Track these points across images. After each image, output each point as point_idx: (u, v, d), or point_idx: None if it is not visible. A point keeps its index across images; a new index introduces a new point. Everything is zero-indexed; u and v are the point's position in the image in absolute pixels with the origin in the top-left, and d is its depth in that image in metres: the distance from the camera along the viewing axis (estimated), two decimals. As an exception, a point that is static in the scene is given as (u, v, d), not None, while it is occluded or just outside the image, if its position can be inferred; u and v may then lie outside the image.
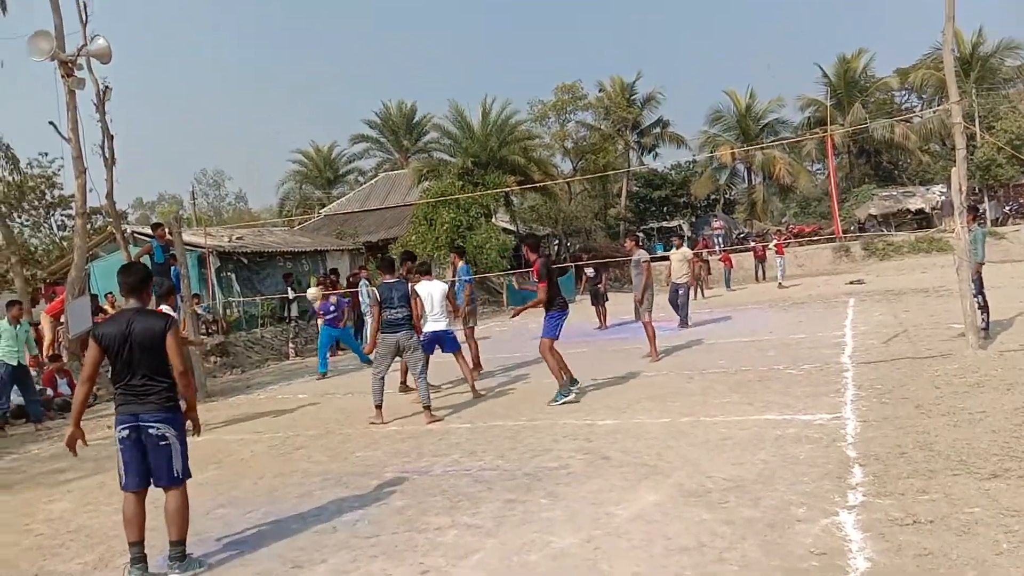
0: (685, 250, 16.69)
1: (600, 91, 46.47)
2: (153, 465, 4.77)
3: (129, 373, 4.74)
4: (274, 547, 5.07)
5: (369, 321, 14.18)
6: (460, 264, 12.86)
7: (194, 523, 5.30)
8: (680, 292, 15.95)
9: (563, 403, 8.79)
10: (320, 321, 15.08)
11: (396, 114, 51.08)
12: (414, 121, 51.09)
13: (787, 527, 4.47)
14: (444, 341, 10.25)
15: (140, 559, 4.70)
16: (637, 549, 4.39)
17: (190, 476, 4.95)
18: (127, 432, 4.72)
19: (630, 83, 46.64)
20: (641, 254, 12.33)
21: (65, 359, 13.89)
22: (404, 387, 10.86)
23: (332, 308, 14.82)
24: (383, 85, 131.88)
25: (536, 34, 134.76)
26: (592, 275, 18.08)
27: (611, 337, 15.57)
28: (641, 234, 26.69)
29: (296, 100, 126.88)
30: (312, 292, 16.06)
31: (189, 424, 5.01)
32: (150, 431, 4.72)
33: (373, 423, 8.87)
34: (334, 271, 22.22)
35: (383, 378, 9.05)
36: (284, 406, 11.06)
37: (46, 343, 15.21)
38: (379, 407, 8.97)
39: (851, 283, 23.00)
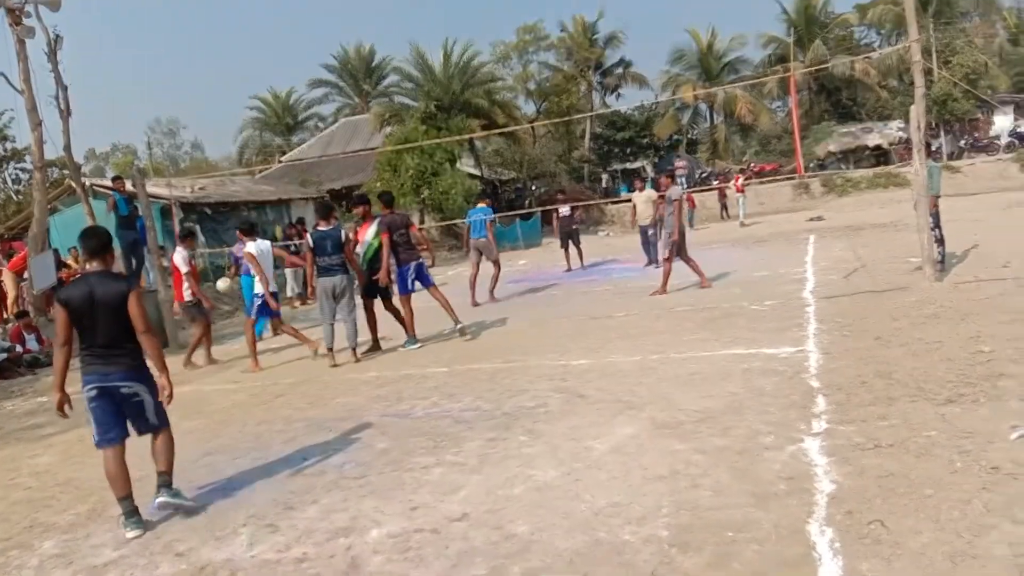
0: (650, 191, 16.82)
1: (562, 31, 46.02)
2: (130, 418, 4.91)
3: (94, 335, 4.78)
4: (265, 491, 5.22)
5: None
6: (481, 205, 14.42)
7: (183, 471, 5.46)
8: (650, 232, 16.15)
9: (414, 348, 9.82)
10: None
11: (355, 58, 50.17)
12: (373, 64, 50.26)
13: (756, 454, 4.72)
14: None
15: (133, 512, 4.77)
16: (616, 479, 4.62)
17: (167, 422, 5.08)
18: (95, 391, 4.79)
19: (592, 23, 46.17)
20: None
21: (32, 315, 13.75)
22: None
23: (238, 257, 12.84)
24: (340, 27, 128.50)
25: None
26: (567, 214, 17.98)
27: (581, 279, 15.73)
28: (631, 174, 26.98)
29: (252, 44, 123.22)
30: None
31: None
32: (121, 390, 4.82)
33: (332, 365, 9.33)
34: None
35: (332, 324, 9.47)
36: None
37: (10, 300, 15.04)
38: (330, 349, 9.44)
39: (811, 220, 23.41)
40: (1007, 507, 3.64)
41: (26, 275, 14.60)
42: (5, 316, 14.78)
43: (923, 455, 4.37)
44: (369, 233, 10.08)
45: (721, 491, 4.25)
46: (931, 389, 5.52)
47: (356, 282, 9.87)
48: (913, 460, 4.32)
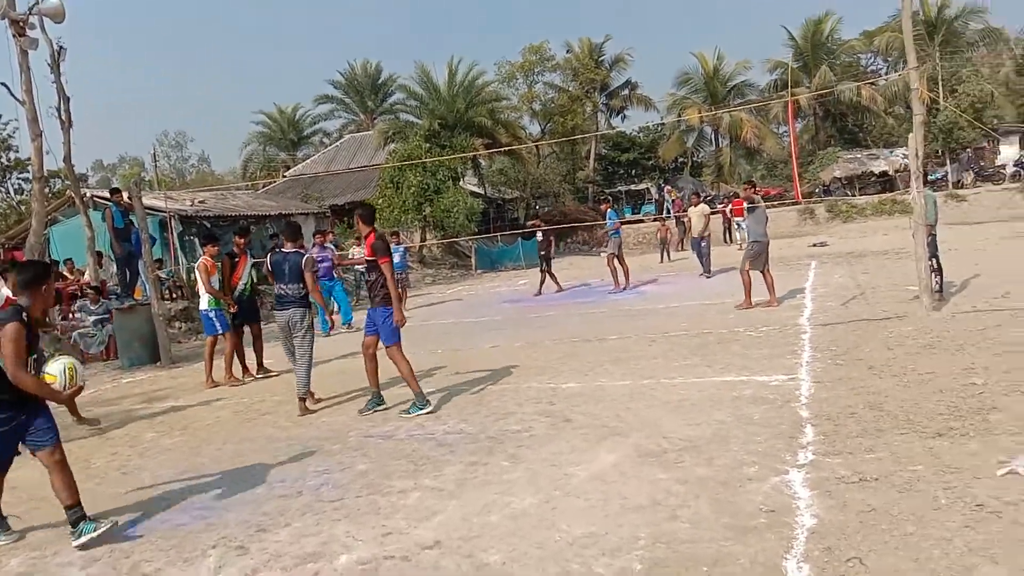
0: (703, 207, 18.44)
1: (568, 52, 46.19)
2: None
3: None
4: (239, 511, 5.12)
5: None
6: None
7: (158, 488, 5.38)
8: (703, 244, 17.37)
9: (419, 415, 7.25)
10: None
11: (361, 75, 50.52)
12: (379, 82, 50.58)
13: (739, 485, 4.62)
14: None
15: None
16: (594, 508, 4.51)
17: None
18: None
19: (598, 44, 46.47)
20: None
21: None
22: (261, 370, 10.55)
23: (324, 259, 12.97)
24: (347, 45, 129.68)
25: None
26: (539, 239, 18.05)
27: (577, 300, 15.66)
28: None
29: (261, 60, 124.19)
30: None
31: None
32: None
33: (299, 414, 7.85)
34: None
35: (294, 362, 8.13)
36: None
37: (5, 309, 15.00)
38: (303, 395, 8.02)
39: (814, 245, 23.32)
40: (988, 546, 3.54)
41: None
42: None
43: (907, 490, 4.27)
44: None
45: (699, 523, 4.15)
46: (920, 422, 5.41)
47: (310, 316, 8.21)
48: (897, 495, 4.21)
